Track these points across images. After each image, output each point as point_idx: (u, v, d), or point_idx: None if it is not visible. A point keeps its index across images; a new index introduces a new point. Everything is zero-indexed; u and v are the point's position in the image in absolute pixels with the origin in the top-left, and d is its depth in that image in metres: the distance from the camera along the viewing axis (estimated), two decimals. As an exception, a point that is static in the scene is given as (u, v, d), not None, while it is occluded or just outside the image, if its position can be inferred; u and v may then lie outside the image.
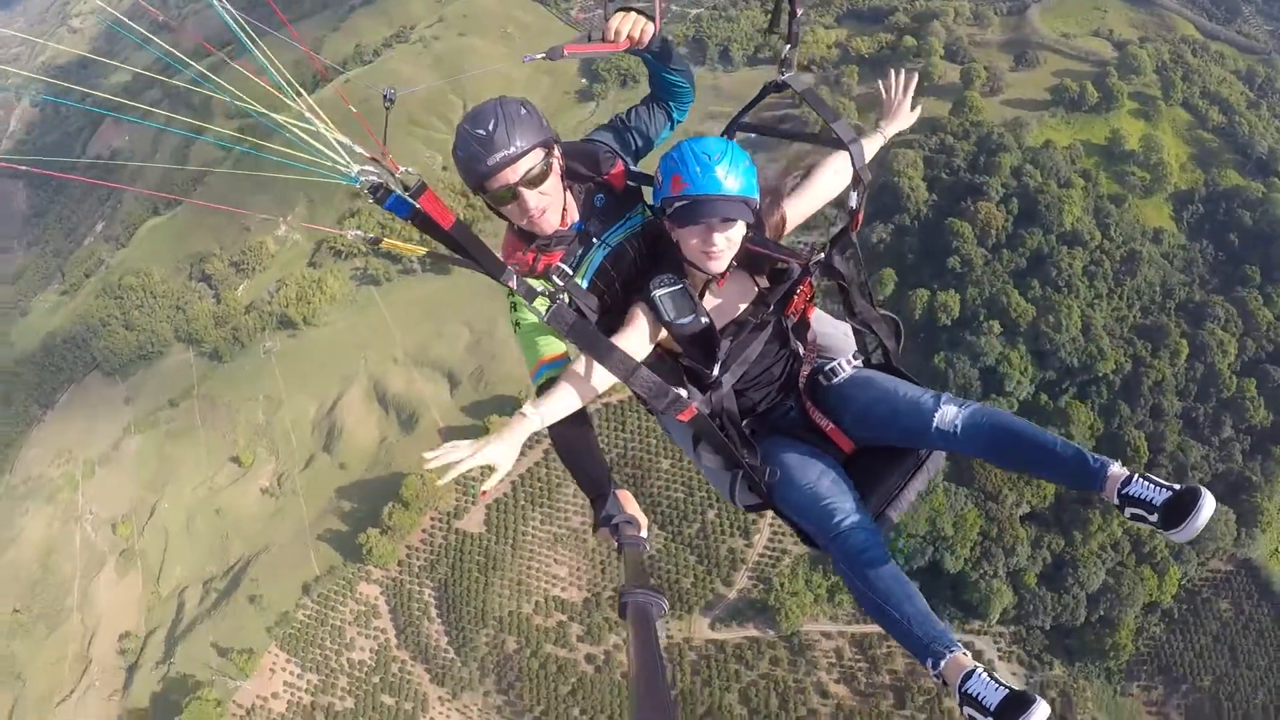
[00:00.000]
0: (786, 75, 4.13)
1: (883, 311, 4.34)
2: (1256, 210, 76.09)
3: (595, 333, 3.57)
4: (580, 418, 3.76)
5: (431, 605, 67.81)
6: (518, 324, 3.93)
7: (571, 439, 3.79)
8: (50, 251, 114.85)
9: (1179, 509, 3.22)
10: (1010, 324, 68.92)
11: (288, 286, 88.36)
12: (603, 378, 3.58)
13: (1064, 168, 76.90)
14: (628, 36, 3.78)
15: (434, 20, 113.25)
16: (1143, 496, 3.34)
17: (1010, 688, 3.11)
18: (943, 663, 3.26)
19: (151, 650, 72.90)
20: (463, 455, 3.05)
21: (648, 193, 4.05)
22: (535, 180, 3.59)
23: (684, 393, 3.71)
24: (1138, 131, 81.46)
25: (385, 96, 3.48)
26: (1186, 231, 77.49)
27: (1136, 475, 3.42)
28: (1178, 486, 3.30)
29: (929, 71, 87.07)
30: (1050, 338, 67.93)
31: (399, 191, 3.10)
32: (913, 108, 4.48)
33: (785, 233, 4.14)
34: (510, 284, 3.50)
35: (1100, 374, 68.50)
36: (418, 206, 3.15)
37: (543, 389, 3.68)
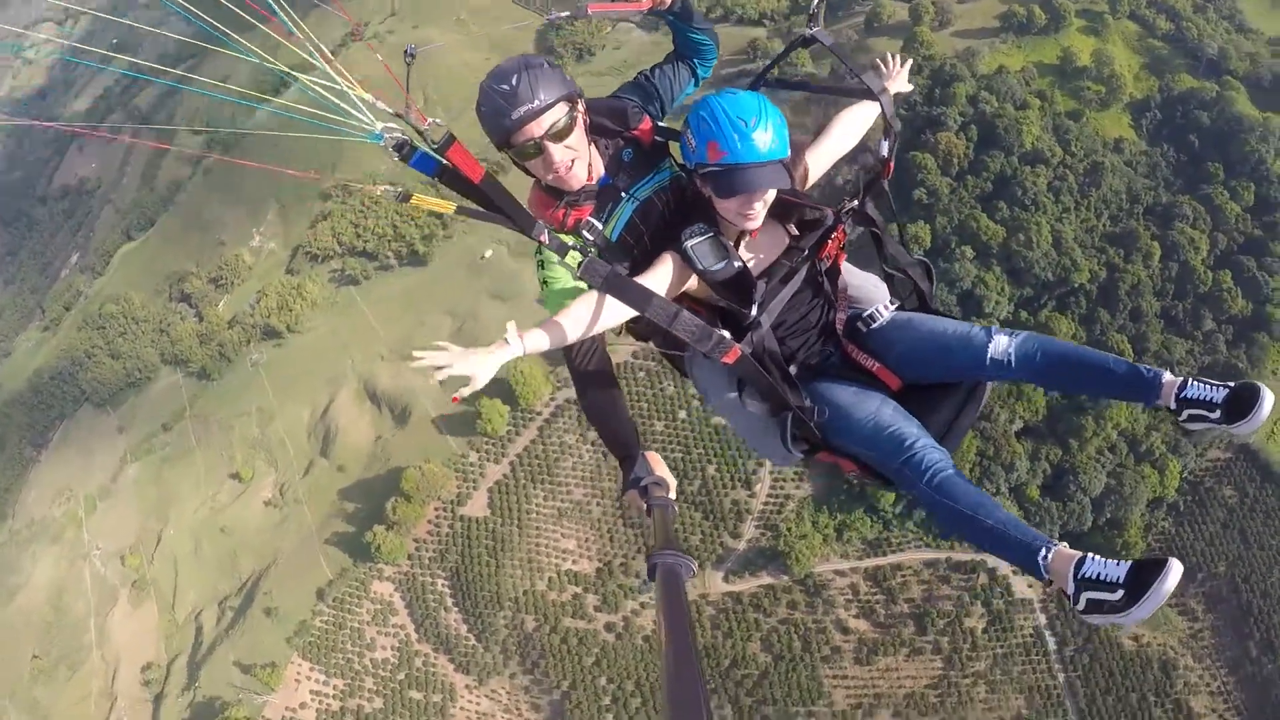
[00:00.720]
0: (814, 29, 4.23)
1: (916, 256, 4.44)
2: (1213, 109, 76.92)
3: (630, 282, 3.51)
4: (608, 380, 3.85)
5: (447, 595, 68.20)
6: (545, 283, 3.94)
7: (600, 401, 3.85)
8: (28, 289, 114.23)
9: (1240, 403, 3.39)
10: (982, 247, 69.47)
11: (268, 296, 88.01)
12: (596, 319, 3.53)
13: (1019, 90, 77.31)
14: None
15: (386, 15, 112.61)
16: (1202, 397, 3.48)
17: (1132, 559, 3.08)
18: (1050, 556, 3.18)
19: (175, 678, 73.13)
20: (444, 363, 2.99)
21: (674, 148, 4.03)
22: (560, 134, 3.59)
23: (727, 334, 3.66)
24: (1088, 48, 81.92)
25: (406, 52, 3.40)
26: (1146, 138, 78.20)
27: (1191, 378, 3.53)
28: (1232, 384, 3.47)
29: (878, 13, 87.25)
30: (1023, 256, 68.67)
31: (425, 148, 3.15)
32: (908, 81, 4.64)
33: (808, 185, 4.19)
34: (541, 238, 3.44)
35: (1076, 285, 69.50)
36: (444, 162, 3.23)
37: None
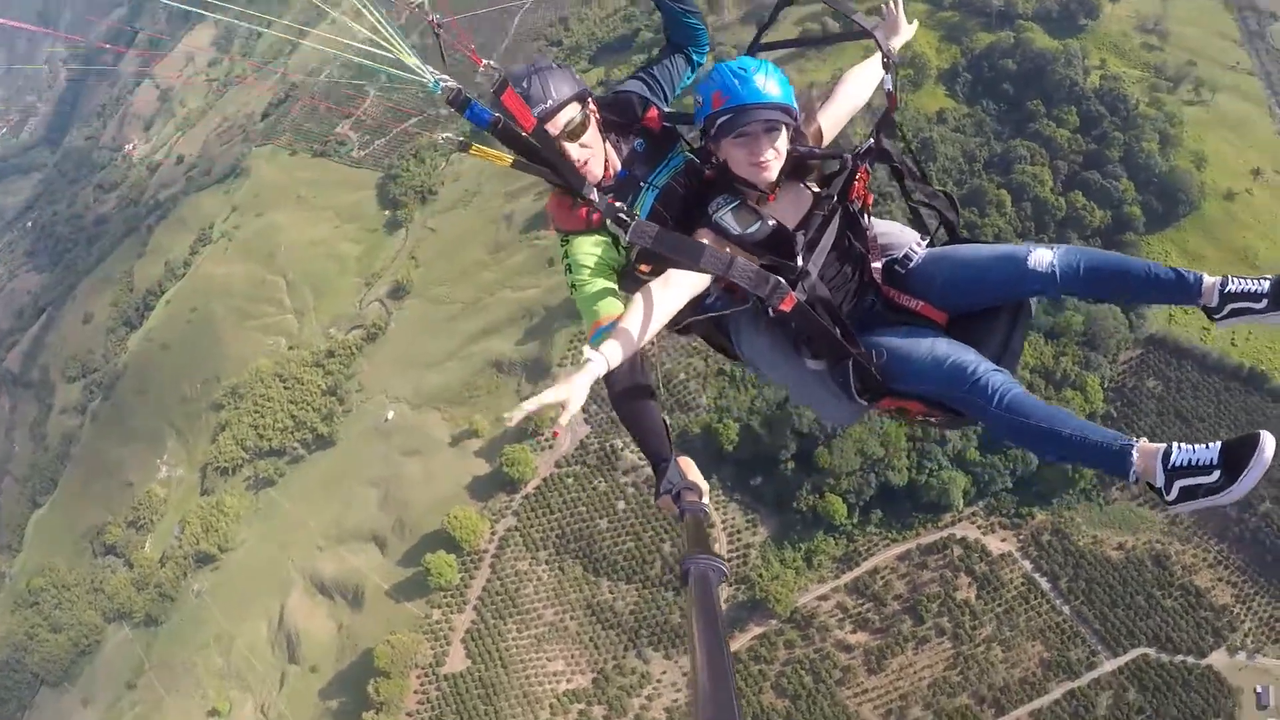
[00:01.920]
0: None
1: (937, 187, 4.47)
2: (1015, 54, 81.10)
3: (679, 236, 3.59)
4: (642, 389, 3.79)
5: (454, 759, 66.34)
6: (575, 286, 3.95)
7: (635, 409, 3.76)
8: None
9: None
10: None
11: (190, 524, 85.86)
12: (659, 313, 3.59)
13: (830, 96, 79.62)
14: None
15: (228, 212, 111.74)
16: (1246, 289, 3.66)
17: (1220, 440, 3.19)
18: (1134, 454, 3.26)
19: None
20: (529, 406, 3.06)
21: (685, 134, 4.24)
22: (576, 132, 3.74)
23: (782, 280, 3.68)
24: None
25: (434, 25, 3.51)
26: (965, 101, 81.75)
27: (1230, 276, 3.72)
28: (1270, 276, 3.66)
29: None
30: (881, 244, 69.91)
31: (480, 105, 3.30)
32: (909, 21, 4.64)
33: (824, 144, 4.24)
34: (592, 196, 3.60)
35: (940, 251, 70.82)
36: (497, 116, 3.36)
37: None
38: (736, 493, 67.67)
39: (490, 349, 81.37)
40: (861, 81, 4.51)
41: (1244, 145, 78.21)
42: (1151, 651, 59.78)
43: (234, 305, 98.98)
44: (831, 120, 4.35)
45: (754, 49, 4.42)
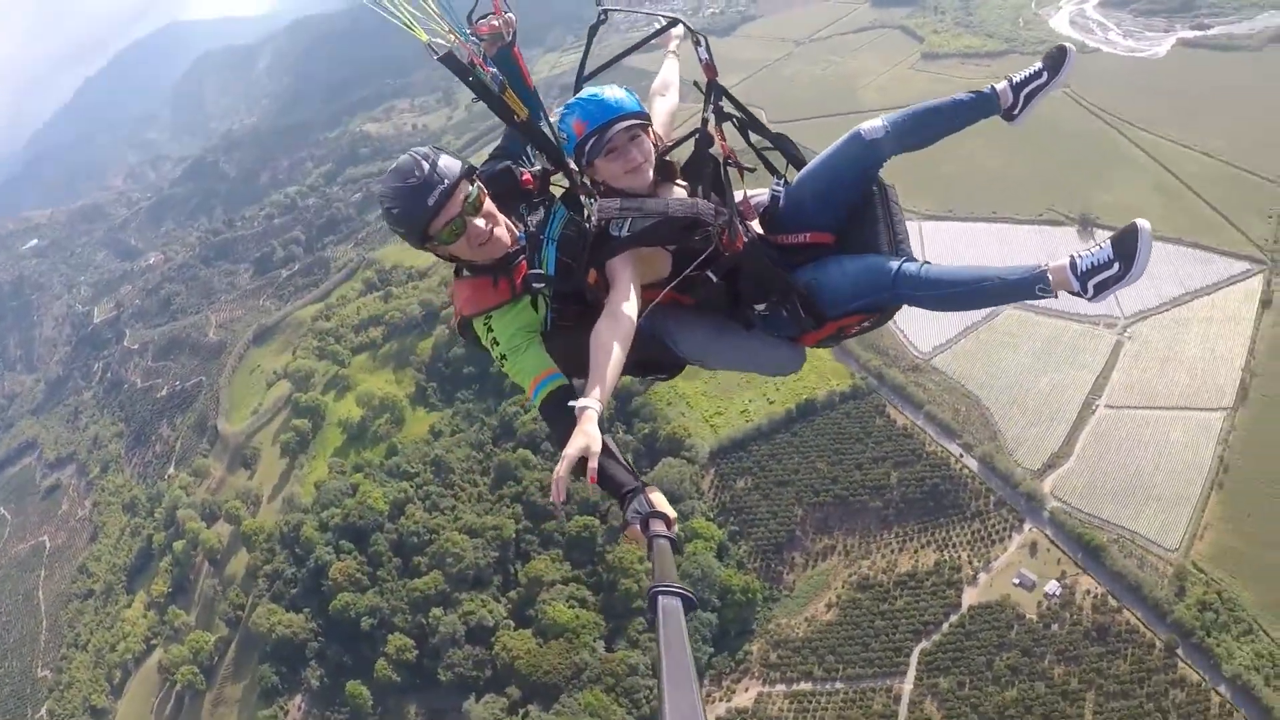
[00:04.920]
0: (602, 7, 4.98)
1: (774, 131, 4.85)
2: None
3: (631, 196, 4.19)
4: None
5: None
6: (506, 356, 3.99)
7: None
8: None
9: (1057, 58, 4.48)
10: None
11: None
12: (618, 346, 3.74)
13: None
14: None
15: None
16: (1028, 74, 4.50)
17: (1108, 239, 3.80)
18: (1049, 278, 3.85)
19: None
20: (562, 472, 3.28)
21: (555, 187, 4.49)
22: (476, 206, 3.89)
23: (725, 211, 4.26)
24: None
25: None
26: None
27: (1013, 75, 4.51)
28: (1043, 54, 4.58)
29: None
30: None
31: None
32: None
33: (668, 136, 4.71)
34: (571, 165, 4.30)
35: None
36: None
37: (548, 400, 3.80)
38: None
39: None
40: (669, 73, 5.27)
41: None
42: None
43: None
44: (663, 110, 5.06)
45: (580, 83, 4.80)
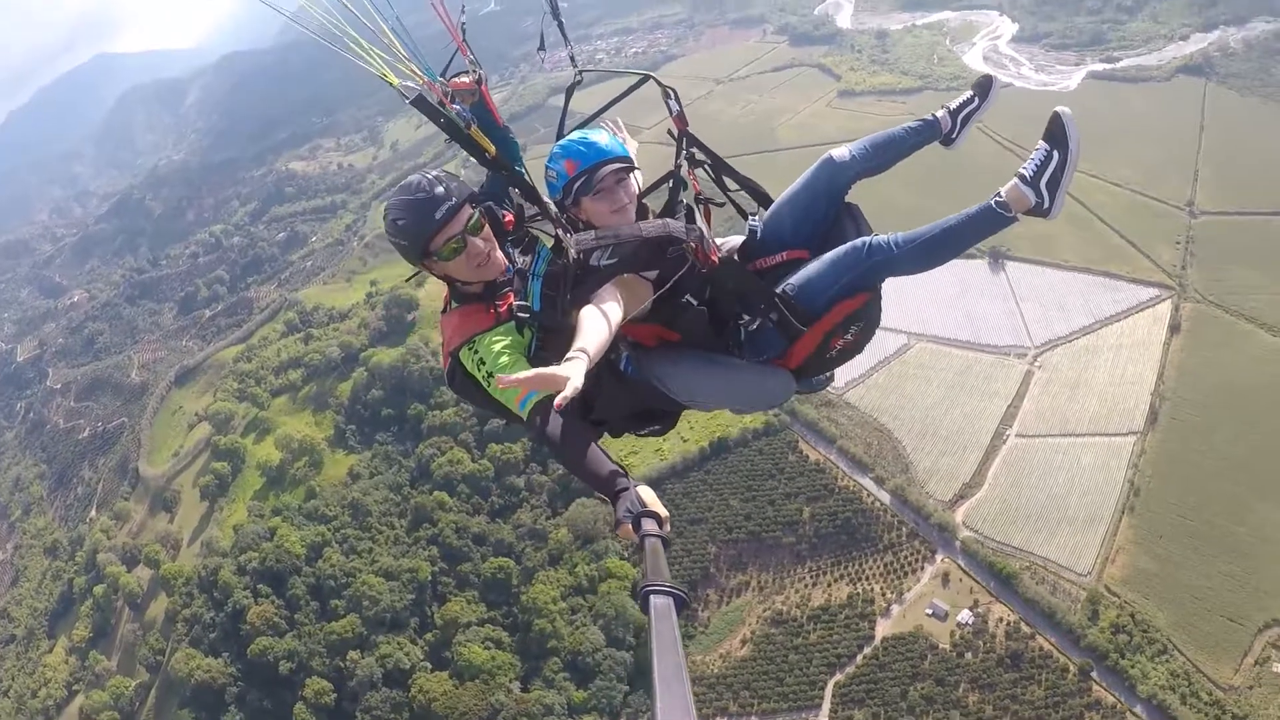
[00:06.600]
0: (578, 69, 5.35)
1: (744, 175, 5.14)
2: None
3: (613, 228, 4.36)
4: (583, 430, 3.74)
5: None
6: (494, 374, 3.92)
7: (578, 449, 3.61)
8: None
9: (984, 85, 5.09)
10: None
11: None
12: (604, 307, 3.90)
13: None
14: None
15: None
16: (962, 100, 5.05)
17: (1039, 139, 4.25)
18: (1003, 196, 4.24)
19: None
20: (533, 377, 3.36)
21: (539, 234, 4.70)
22: (477, 227, 4.06)
23: (695, 227, 4.42)
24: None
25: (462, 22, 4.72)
26: None
27: (951, 103, 5.05)
28: (972, 84, 5.17)
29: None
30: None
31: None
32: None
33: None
34: (548, 199, 4.59)
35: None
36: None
37: (536, 408, 3.70)
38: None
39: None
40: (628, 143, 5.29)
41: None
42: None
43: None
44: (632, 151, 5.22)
45: (561, 136, 4.89)
